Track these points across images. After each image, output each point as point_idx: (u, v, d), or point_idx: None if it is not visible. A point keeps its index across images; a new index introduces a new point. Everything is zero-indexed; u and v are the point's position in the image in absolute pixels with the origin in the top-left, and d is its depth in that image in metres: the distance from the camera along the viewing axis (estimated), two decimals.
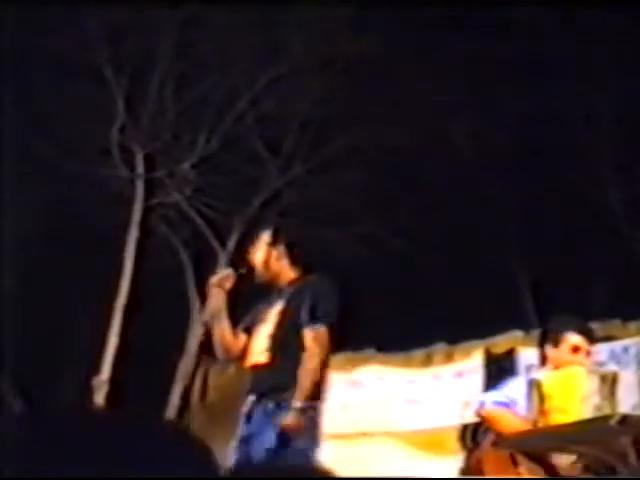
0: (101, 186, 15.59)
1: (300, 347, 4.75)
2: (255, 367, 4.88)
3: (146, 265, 15.91)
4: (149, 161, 16.23)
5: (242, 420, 4.85)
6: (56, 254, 15.89)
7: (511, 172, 15.98)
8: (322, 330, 4.80)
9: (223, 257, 16.37)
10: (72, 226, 15.42)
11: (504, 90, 15.19)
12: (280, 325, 4.85)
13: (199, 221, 16.62)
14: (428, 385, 11.93)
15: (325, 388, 4.76)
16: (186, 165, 16.16)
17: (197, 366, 14.88)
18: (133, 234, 15.86)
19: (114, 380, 15.13)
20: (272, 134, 16.32)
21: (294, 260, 5.04)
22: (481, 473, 4.61)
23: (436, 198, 15.56)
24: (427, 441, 11.54)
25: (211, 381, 14.36)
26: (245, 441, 4.75)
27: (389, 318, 14.88)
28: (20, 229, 15.85)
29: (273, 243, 5.03)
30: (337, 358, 12.84)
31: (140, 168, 16.14)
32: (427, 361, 12.20)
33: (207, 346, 14.65)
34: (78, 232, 15.53)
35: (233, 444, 4.76)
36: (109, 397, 14.93)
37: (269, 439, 4.57)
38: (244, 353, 5.01)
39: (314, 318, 4.81)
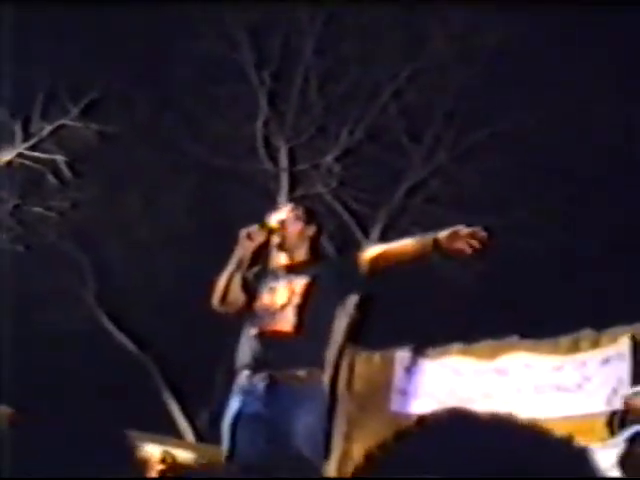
0: (246, 180, 15.89)
1: (330, 326, 4.69)
2: (275, 333, 4.55)
3: None
4: (293, 155, 16.49)
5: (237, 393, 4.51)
6: (206, 249, 16.27)
7: None
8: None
9: (367, 248, 16.40)
10: (221, 220, 15.78)
11: None
12: (307, 298, 4.56)
13: (343, 212, 16.75)
14: (575, 372, 11.80)
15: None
16: (330, 158, 16.33)
17: (342, 355, 14.92)
18: None
19: None
20: (415, 125, 16.33)
21: (315, 245, 4.86)
22: None
23: (579, 185, 15.27)
24: (575, 428, 11.43)
25: (357, 370, 14.42)
26: (252, 420, 4.39)
27: (533, 305, 14.74)
28: (174, 225, 16.37)
29: (307, 222, 4.80)
30: (479, 346, 12.83)
31: (284, 162, 16.42)
32: (573, 347, 12.05)
33: (353, 334, 14.82)
34: (226, 226, 15.84)
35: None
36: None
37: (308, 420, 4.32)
38: (240, 310, 4.74)
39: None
